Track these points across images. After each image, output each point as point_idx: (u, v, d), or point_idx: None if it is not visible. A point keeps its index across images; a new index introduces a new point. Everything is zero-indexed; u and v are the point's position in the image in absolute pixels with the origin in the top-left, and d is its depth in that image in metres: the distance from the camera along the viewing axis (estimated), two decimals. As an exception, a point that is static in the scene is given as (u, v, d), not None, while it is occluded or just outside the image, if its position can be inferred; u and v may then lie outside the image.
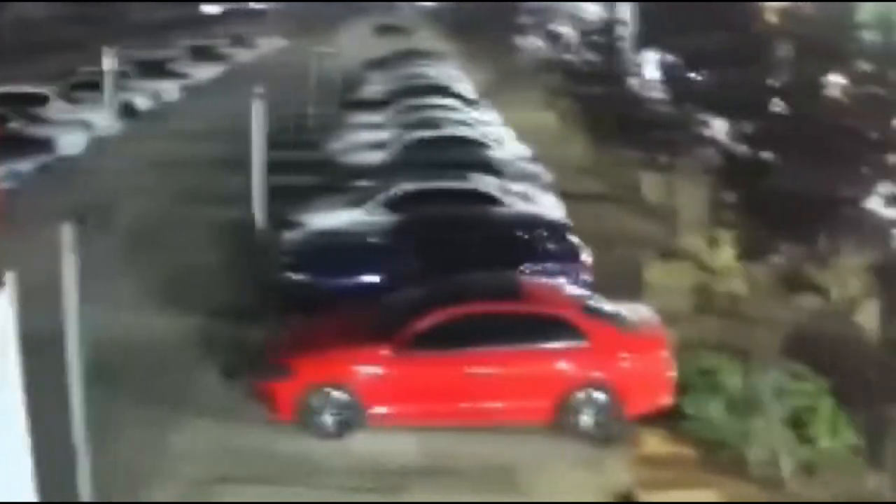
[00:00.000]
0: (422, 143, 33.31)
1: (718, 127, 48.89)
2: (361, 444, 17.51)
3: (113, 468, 14.31)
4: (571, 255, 22.78)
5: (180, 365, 20.45)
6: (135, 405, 17.64)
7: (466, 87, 51.95)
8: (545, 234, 23.54)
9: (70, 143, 39.63)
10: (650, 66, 73.81)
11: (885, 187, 34.33)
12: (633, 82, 69.41)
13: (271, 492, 16.01)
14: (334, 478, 16.49)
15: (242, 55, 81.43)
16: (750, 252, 26.85)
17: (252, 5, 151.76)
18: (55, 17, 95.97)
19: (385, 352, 17.59)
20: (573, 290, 19.83)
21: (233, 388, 19.25)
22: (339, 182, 29.82)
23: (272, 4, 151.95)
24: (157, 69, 59.44)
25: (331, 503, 15.76)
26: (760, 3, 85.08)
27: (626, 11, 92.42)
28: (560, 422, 17.63)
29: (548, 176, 31.90)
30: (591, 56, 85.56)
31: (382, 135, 36.72)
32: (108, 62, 46.01)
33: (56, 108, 43.93)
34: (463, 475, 16.60)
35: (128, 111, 48.79)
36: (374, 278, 21.98)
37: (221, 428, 17.97)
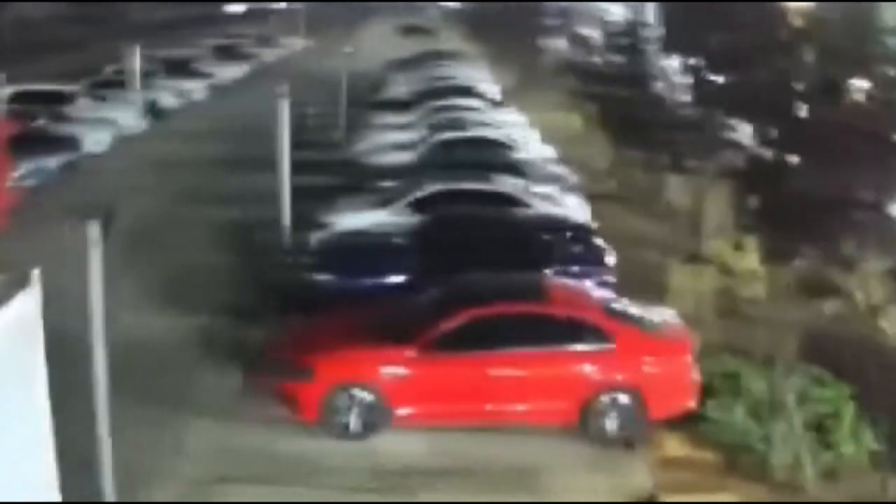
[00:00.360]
0: (446, 144, 33.37)
1: (742, 130, 48.87)
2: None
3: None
4: (595, 257, 22.83)
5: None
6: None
7: (491, 89, 51.96)
8: (569, 236, 23.61)
9: (95, 141, 39.81)
10: (674, 69, 73.80)
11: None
12: (656, 85, 69.38)
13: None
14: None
15: (267, 55, 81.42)
16: (772, 256, 26.87)
17: (273, 5, 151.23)
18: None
19: (410, 352, 17.63)
20: (597, 292, 19.86)
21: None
22: (363, 183, 29.87)
23: (294, 4, 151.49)
24: (182, 68, 59.65)
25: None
26: (784, 6, 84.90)
27: (650, 14, 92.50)
28: (583, 424, 17.64)
29: (572, 177, 31.92)
30: (615, 58, 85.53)
31: (407, 136, 36.79)
32: (133, 61, 46.18)
33: (81, 107, 44.11)
34: (481, 477, 16.62)
35: (153, 110, 48.92)
36: (398, 279, 22.00)
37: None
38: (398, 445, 17.43)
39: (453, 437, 17.62)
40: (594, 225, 25.55)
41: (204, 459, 16.98)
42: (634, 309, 19.08)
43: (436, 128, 36.66)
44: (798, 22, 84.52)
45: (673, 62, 76.67)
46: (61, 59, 63.04)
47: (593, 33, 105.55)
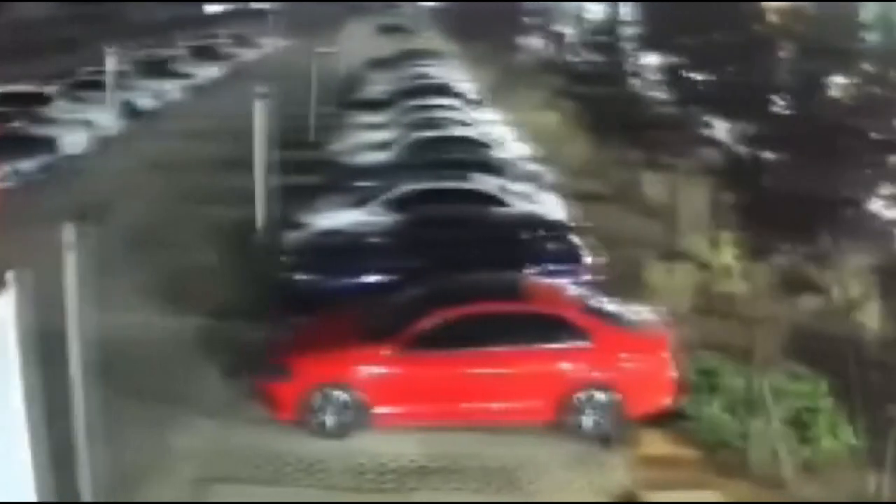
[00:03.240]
0: (424, 143, 33.37)
1: (720, 127, 48.88)
2: (362, 444, 17.50)
3: (113, 468, 14.31)
4: (573, 255, 22.84)
5: (180, 365, 20.48)
6: (135, 405, 17.62)
7: (469, 88, 51.97)
8: (547, 234, 23.61)
9: (73, 142, 39.70)
10: (652, 67, 73.76)
11: (886, 188, 34.28)
12: (635, 82, 69.36)
13: (271, 492, 16.02)
14: (334, 478, 16.51)
15: (245, 55, 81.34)
16: (751, 253, 26.85)
17: (253, 5, 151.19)
18: (55, 17, 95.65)
19: (388, 352, 17.61)
20: (575, 290, 19.85)
21: (233, 387, 19.26)
22: (341, 182, 29.85)
23: (273, 4, 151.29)
24: (159, 69, 59.57)
25: (331, 503, 15.80)
26: (763, 4, 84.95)
27: (628, 12, 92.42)
28: (562, 422, 17.64)
29: (550, 176, 31.94)
30: (593, 56, 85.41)
31: (385, 135, 36.77)
32: (111, 62, 46.05)
33: (59, 108, 44.02)
34: (464, 476, 16.61)
35: (130, 111, 48.81)
36: (376, 278, 22.00)
37: (221, 428, 17.98)
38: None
39: (435, 437, 17.59)
40: (572, 223, 25.54)
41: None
42: (612, 306, 19.11)
43: (413, 127, 36.68)
44: (777, 18, 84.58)
45: (652, 60, 76.54)
46: (44, 61, 62.79)
47: (572, 31, 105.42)
